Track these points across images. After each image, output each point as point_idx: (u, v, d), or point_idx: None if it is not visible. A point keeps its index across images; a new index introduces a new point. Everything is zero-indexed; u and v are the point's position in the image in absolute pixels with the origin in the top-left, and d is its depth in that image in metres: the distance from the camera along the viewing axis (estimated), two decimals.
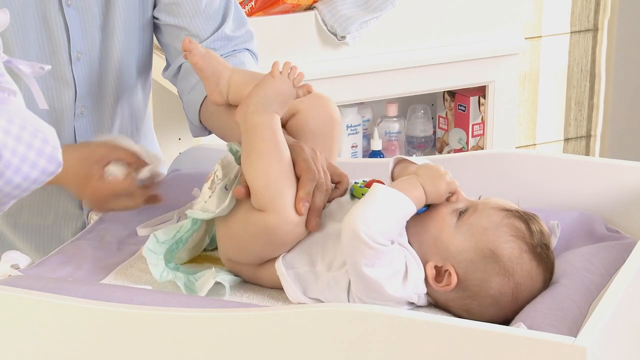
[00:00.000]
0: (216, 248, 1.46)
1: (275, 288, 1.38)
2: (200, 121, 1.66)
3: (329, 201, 1.41)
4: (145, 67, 1.73)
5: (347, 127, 2.71)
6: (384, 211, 1.28)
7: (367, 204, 1.28)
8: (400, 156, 1.43)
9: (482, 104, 2.77)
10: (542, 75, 3.27)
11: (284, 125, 1.48)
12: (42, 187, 1.51)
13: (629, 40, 3.31)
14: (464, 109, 2.81)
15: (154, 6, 1.67)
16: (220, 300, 1.34)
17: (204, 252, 1.50)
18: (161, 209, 1.58)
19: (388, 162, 1.45)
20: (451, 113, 2.86)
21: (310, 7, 2.49)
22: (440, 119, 2.90)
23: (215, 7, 1.67)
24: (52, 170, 1.06)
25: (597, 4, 3.28)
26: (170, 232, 1.42)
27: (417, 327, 1.14)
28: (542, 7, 3.20)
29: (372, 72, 2.55)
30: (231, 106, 1.50)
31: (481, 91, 2.77)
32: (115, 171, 1.52)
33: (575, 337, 1.09)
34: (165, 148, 2.58)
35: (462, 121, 2.83)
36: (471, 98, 2.79)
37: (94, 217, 1.62)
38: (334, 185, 1.42)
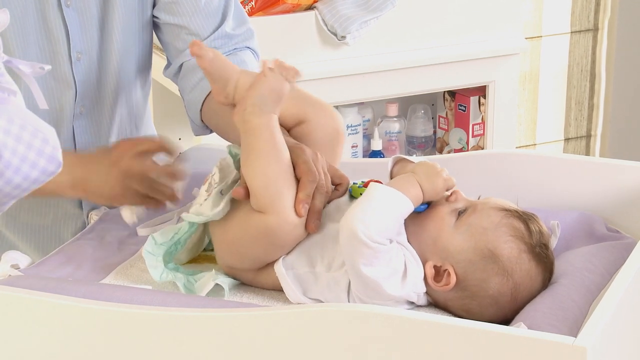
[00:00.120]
0: None
1: (276, 290, 1.38)
2: (202, 120, 1.66)
3: (329, 202, 1.41)
4: (144, 66, 1.73)
5: (348, 127, 2.71)
6: (381, 210, 1.28)
7: (364, 204, 1.28)
8: (398, 155, 1.43)
9: (482, 104, 2.77)
10: (542, 75, 3.27)
11: (288, 130, 1.49)
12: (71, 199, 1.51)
13: (629, 40, 3.31)
14: (464, 109, 2.81)
15: (154, 5, 1.67)
16: (220, 300, 1.34)
17: (203, 252, 1.49)
18: (161, 209, 1.58)
19: (388, 161, 1.45)
20: (451, 113, 2.86)
21: (310, 7, 2.49)
22: (441, 118, 2.90)
23: (214, 5, 1.67)
24: (52, 170, 1.06)
25: (597, 4, 3.28)
26: (168, 234, 1.42)
27: (417, 327, 1.14)
28: (542, 7, 3.20)
29: (372, 72, 2.55)
30: (234, 106, 1.50)
31: (481, 91, 2.77)
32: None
33: (576, 337, 1.09)
34: None
35: (462, 121, 2.83)
36: (471, 98, 2.79)
37: (94, 217, 1.62)
38: (334, 187, 1.42)
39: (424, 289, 1.31)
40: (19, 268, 1.43)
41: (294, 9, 2.47)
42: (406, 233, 1.32)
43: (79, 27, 1.59)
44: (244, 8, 2.35)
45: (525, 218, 1.32)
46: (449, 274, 1.30)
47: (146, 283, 1.40)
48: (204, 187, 1.41)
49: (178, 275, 1.40)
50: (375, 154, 2.74)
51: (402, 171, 1.39)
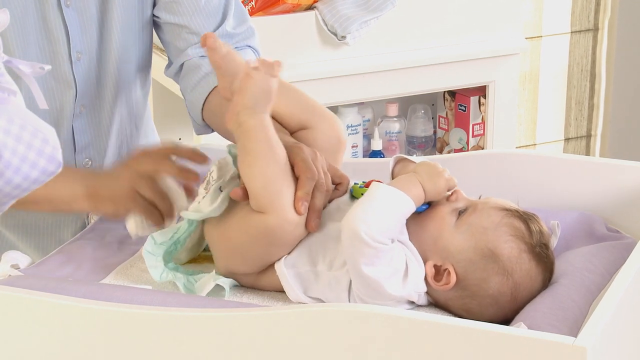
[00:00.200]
0: None
1: (277, 291, 1.38)
2: (203, 119, 1.66)
3: (329, 202, 1.41)
4: (144, 66, 1.73)
5: (348, 127, 2.71)
6: (383, 210, 1.28)
7: (366, 203, 1.29)
8: (400, 155, 1.43)
9: (483, 104, 2.77)
10: (542, 75, 3.27)
11: (291, 134, 1.49)
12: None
13: (629, 40, 3.31)
14: (464, 108, 2.81)
15: (154, 5, 1.67)
16: (220, 300, 1.34)
17: (203, 252, 1.49)
18: (160, 226, 1.57)
19: (388, 162, 1.45)
20: (451, 113, 2.86)
21: (310, 7, 2.49)
22: (441, 118, 2.90)
23: (214, 4, 1.67)
24: (52, 170, 1.06)
25: (597, 4, 3.28)
26: (167, 234, 1.42)
27: (417, 327, 1.14)
28: (542, 7, 3.21)
29: (372, 72, 2.55)
30: None
31: (481, 91, 2.77)
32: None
33: (576, 337, 1.09)
34: None
35: (462, 121, 2.83)
36: (471, 98, 2.79)
37: (94, 217, 1.62)
38: (334, 186, 1.42)
39: (425, 289, 1.31)
40: (19, 268, 1.43)
41: (294, 9, 2.47)
42: (407, 232, 1.32)
43: (79, 27, 1.59)
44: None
45: (525, 218, 1.32)
46: (449, 273, 1.30)
47: (146, 283, 1.40)
48: (202, 186, 1.41)
49: (178, 275, 1.40)
50: (376, 154, 2.75)
51: (403, 171, 1.39)
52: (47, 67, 1.15)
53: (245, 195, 1.36)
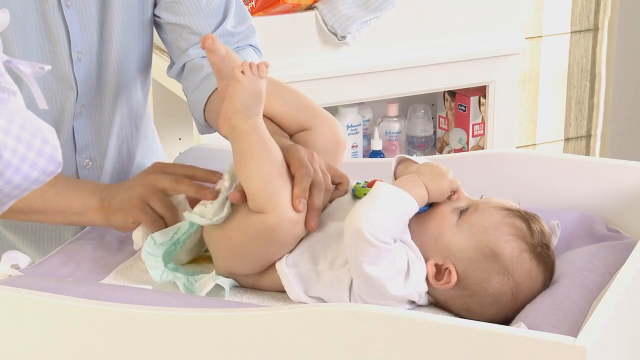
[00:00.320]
0: None
1: (277, 291, 1.38)
2: (206, 119, 1.66)
3: (330, 202, 1.41)
4: (145, 66, 1.73)
5: (348, 127, 2.71)
6: (386, 209, 1.28)
7: (369, 202, 1.29)
8: (402, 155, 1.43)
9: (483, 104, 2.77)
10: (542, 75, 3.27)
11: (290, 136, 1.49)
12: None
13: (629, 40, 3.31)
14: (464, 108, 2.81)
15: (155, 5, 1.67)
16: (220, 300, 1.34)
17: (203, 252, 1.49)
18: None
19: (388, 162, 1.45)
20: (451, 113, 2.86)
21: (310, 7, 2.49)
22: (441, 118, 2.90)
23: (216, 3, 1.67)
24: (52, 170, 1.06)
25: (597, 4, 3.28)
26: (167, 234, 1.42)
27: (417, 327, 1.14)
28: (542, 7, 3.20)
29: (372, 72, 2.55)
30: None
31: (481, 91, 2.77)
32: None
33: (576, 337, 1.09)
34: (166, 148, 2.58)
35: (462, 121, 2.83)
36: (471, 98, 2.79)
37: None
38: (334, 186, 1.42)
39: (426, 288, 1.31)
40: (19, 268, 1.43)
41: (294, 9, 2.47)
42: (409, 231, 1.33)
43: (79, 27, 1.59)
44: None
45: (527, 218, 1.32)
46: (450, 272, 1.30)
47: (146, 283, 1.40)
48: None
49: (178, 275, 1.40)
50: (376, 154, 2.75)
51: (405, 171, 1.39)
52: (47, 67, 1.15)
53: (243, 197, 1.36)
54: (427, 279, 1.31)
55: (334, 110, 2.69)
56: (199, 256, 1.49)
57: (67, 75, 1.60)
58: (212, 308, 1.26)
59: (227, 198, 1.39)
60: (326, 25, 2.48)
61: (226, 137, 1.60)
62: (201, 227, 1.44)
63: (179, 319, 1.24)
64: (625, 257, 1.31)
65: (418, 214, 1.32)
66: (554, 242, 1.37)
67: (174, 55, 1.70)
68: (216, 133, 1.69)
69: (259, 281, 1.39)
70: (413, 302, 1.32)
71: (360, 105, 2.76)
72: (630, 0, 3.29)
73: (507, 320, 1.28)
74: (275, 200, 1.33)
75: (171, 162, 1.76)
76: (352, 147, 2.72)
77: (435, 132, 2.91)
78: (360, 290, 1.29)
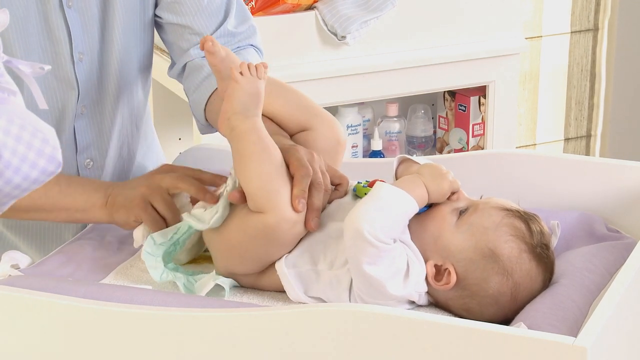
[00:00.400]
0: None
1: (277, 291, 1.38)
2: (206, 119, 1.66)
3: (329, 202, 1.41)
4: (146, 66, 1.73)
5: (348, 127, 2.71)
6: (387, 210, 1.28)
7: (370, 202, 1.29)
8: (403, 155, 1.43)
9: (483, 104, 2.77)
10: (542, 75, 3.27)
11: (291, 136, 1.49)
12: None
13: (629, 40, 3.31)
14: (464, 108, 2.81)
15: (156, 5, 1.67)
16: (220, 300, 1.34)
17: (203, 252, 1.49)
18: None
19: (388, 162, 1.45)
20: (451, 113, 2.86)
21: (310, 7, 2.49)
22: (441, 118, 2.90)
23: (217, 3, 1.67)
24: (52, 170, 1.06)
25: (597, 4, 3.28)
26: (167, 234, 1.42)
27: (417, 327, 1.14)
28: (542, 7, 3.20)
29: (372, 72, 2.55)
30: None
31: (481, 91, 2.77)
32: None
33: (576, 337, 1.09)
34: (166, 148, 2.58)
35: (462, 121, 2.83)
36: (471, 98, 2.79)
37: None
38: (334, 187, 1.42)
39: (426, 289, 1.31)
40: (19, 268, 1.43)
41: (294, 9, 2.47)
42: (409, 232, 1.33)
43: (81, 28, 1.59)
44: None
45: (526, 218, 1.32)
46: (449, 273, 1.30)
47: (146, 283, 1.40)
48: (217, 193, 1.41)
49: (178, 275, 1.40)
50: (375, 154, 2.74)
51: (406, 171, 1.39)
52: (47, 67, 1.14)
53: (243, 197, 1.36)
54: (426, 279, 1.31)
55: (334, 110, 2.69)
56: (199, 256, 1.49)
57: (69, 76, 1.60)
58: (212, 308, 1.26)
59: (224, 206, 1.39)
60: (326, 25, 2.48)
61: (225, 137, 1.61)
62: None
63: (179, 319, 1.24)
64: (625, 257, 1.31)
65: (418, 214, 1.32)
66: (554, 242, 1.37)
67: (174, 55, 1.70)
68: (217, 133, 1.69)
69: (258, 281, 1.39)
70: (413, 303, 1.32)
71: (360, 105, 2.76)
72: (630, 0, 3.29)
73: (506, 321, 1.28)
74: (274, 200, 1.33)
75: (171, 162, 1.76)
76: (352, 147, 2.72)
77: (435, 132, 2.91)
78: (360, 290, 1.29)
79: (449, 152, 2.87)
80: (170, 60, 1.73)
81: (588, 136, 3.40)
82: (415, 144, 2.85)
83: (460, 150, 2.83)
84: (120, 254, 1.50)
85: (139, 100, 1.75)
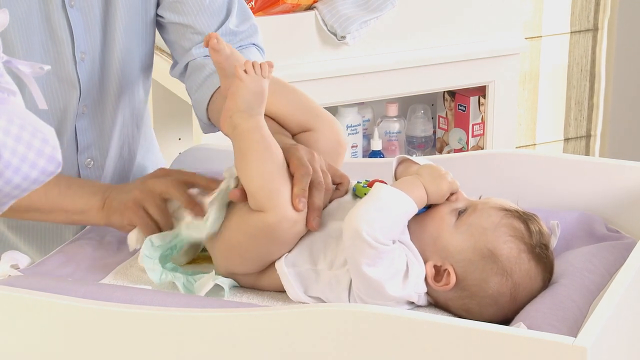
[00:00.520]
0: None
1: (277, 291, 1.38)
2: (209, 118, 1.66)
3: (330, 201, 1.41)
4: (147, 66, 1.73)
5: (347, 127, 2.71)
6: (386, 210, 1.28)
7: (369, 203, 1.29)
8: (403, 155, 1.43)
9: (482, 104, 2.77)
10: (542, 75, 3.27)
11: (292, 136, 1.49)
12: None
13: (629, 40, 3.31)
14: (464, 109, 2.81)
15: (157, 5, 1.67)
16: (220, 300, 1.34)
17: (202, 252, 1.49)
18: None
19: (388, 162, 1.45)
20: (451, 113, 2.86)
21: (310, 7, 2.49)
22: (440, 119, 2.90)
23: (219, 2, 1.67)
24: (52, 170, 1.06)
25: (597, 4, 3.28)
26: (166, 238, 1.42)
27: (417, 327, 1.14)
28: (542, 7, 3.20)
29: (372, 72, 2.55)
30: None
31: (481, 91, 2.77)
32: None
33: (575, 337, 1.09)
34: (165, 148, 2.59)
35: (462, 121, 2.83)
36: (471, 98, 2.79)
37: None
38: (334, 186, 1.42)
39: (425, 289, 1.31)
40: (19, 268, 1.43)
41: (294, 9, 2.47)
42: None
43: (83, 28, 1.59)
44: None
45: (525, 218, 1.32)
46: (448, 273, 1.30)
47: (146, 283, 1.40)
48: (208, 199, 1.41)
49: (177, 275, 1.40)
50: (375, 154, 2.74)
51: (406, 172, 1.39)
52: (47, 67, 1.14)
53: (243, 196, 1.36)
54: (426, 280, 1.31)
55: (333, 110, 2.69)
56: (198, 256, 1.49)
57: (71, 76, 1.60)
58: (211, 308, 1.26)
59: (223, 205, 1.39)
60: (326, 25, 2.48)
61: (227, 136, 1.61)
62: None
63: (179, 319, 1.24)
64: (625, 257, 1.31)
65: (417, 215, 1.32)
66: (554, 242, 1.37)
67: (176, 54, 1.70)
68: (218, 132, 1.69)
69: (258, 281, 1.39)
70: (412, 303, 1.32)
71: (360, 105, 2.76)
72: (630, 0, 3.29)
73: (506, 321, 1.28)
74: (275, 199, 1.33)
75: (171, 161, 1.77)
76: (352, 147, 2.72)
77: (435, 132, 2.91)
78: (359, 291, 1.29)
79: (448, 152, 2.87)
80: (171, 60, 1.73)
81: (588, 136, 3.40)
82: (415, 144, 2.85)
83: (460, 150, 2.83)
84: (120, 254, 1.50)
85: (140, 100, 1.75)
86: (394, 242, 1.28)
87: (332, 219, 1.38)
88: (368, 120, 2.81)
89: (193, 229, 1.40)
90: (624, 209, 1.50)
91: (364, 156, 2.78)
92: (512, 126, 2.78)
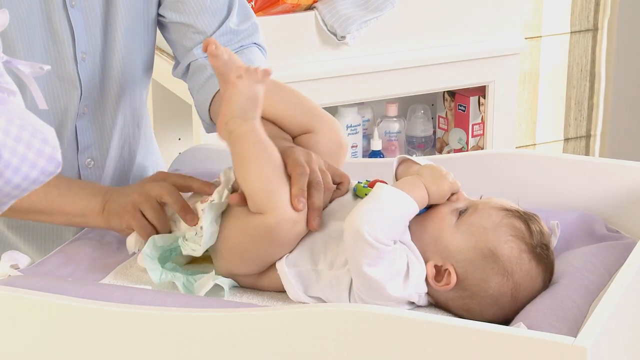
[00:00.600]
0: None
1: (277, 291, 1.38)
2: (211, 118, 1.66)
3: (330, 201, 1.41)
4: (148, 66, 1.73)
5: (347, 127, 2.71)
6: (387, 211, 1.28)
7: (370, 204, 1.29)
8: (403, 155, 1.43)
9: (482, 104, 2.77)
10: (542, 75, 3.27)
11: (293, 138, 1.50)
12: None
13: (629, 40, 3.31)
14: (464, 109, 2.81)
15: (159, 4, 1.67)
16: (220, 300, 1.34)
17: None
18: None
19: (388, 162, 1.45)
20: (451, 113, 2.86)
21: (310, 7, 2.49)
22: (440, 119, 2.90)
23: (220, 2, 1.67)
24: (52, 170, 1.06)
25: (597, 4, 3.28)
26: (168, 240, 1.42)
27: (417, 327, 1.14)
28: (542, 7, 3.20)
29: (372, 72, 2.55)
30: None
31: (481, 91, 2.77)
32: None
33: (575, 337, 1.09)
34: (165, 148, 2.59)
35: (462, 121, 2.83)
36: (471, 98, 2.79)
37: None
38: (335, 186, 1.42)
39: (426, 289, 1.31)
40: (19, 268, 1.43)
41: (294, 9, 2.47)
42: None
43: (84, 28, 1.59)
44: None
45: (526, 218, 1.32)
46: (449, 273, 1.30)
47: (146, 283, 1.40)
48: (201, 207, 1.41)
49: (177, 275, 1.40)
50: (375, 154, 2.74)
51: (406, 172, 1.39)
52: (47, 67, 1.14)
53: (242, 200, 1.36)
54: (426, 280, 1.31)
55: (333, 110, 2.69)
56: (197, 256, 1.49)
57: (72, 76, 1.60)
58: (212, 308, 1.26)
59: (211, 221, 1.39)
60: (326, 25, 2.48)
61: (225, 141, 1.61)
62: None
63: (179, 319, 1.24)
64: (625, 257, 1.31)
65: (418, 215, 1.32)
66: (554, 242, 1.37)
67: (178, 55, 1.70)
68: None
69: (258, 281, 1.39)
70: (413, 303, 1.32)
71: (360, 105, 2.76)
72: (630, 0, 3.29)
73: (506, 321, 1.28)
74: (274, 200, 1.33)
75: (171, 161, 1.77)
76: (352, 147, 2.72)
77: (434, 132, 2.91)
78: (360, 291, 1.29)
79: (448, 152, 2.87)
80: (172, 60, 1.73)
81: (588, 136, 3.40)
82: (415, 144, 2.85)
83: (460, 150, 2.83)
84: (120, 254, 1.50)
85: (140, 100, 1.75)
86: (395, 242, 1.28)
87: (333, 219, 1.38)
88: (368, 120, 2.81)
89: (190, 245, 1.40)
90: (624, 209, 1.50)
91: (364, 156, 2.78)
92: (512, 126, 2.78)
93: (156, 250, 1.41)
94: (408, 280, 1.29)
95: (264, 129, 1.40)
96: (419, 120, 2.85)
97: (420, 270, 1.30)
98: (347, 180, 1.43)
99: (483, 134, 2.79)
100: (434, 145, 2.92)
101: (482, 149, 2.79)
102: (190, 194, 1.49)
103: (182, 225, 1.44)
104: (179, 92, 2.47)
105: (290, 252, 1.36)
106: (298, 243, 1.37)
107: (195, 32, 1.66)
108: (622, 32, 3.30)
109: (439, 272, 1.31)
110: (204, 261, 1.47)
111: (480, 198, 1.37)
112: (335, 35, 2.48)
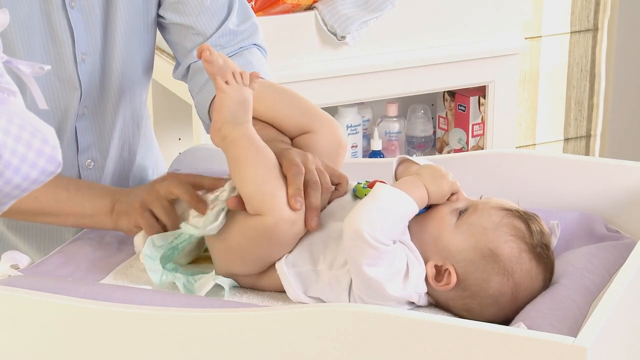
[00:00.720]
0: None
1: (277, 291, 1.38)
2: (211, 119, 1.66)
3: (329, 202, 1.41)
4: (148, 67, 1.73)
5: (347, 127, 2.71)
6: (386, 211, 1.28)
7: (369, 204, 1.29)
8: (403, 156, 1.43)
9: (482, 104, 2.77)
10: (542, 75, 3.27)
11: (292, 139, 1.50)
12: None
13: (629, 40, 3.31)
14: (464, 109, 2.81)
15: (159, 5, 1.67)
16: (220, 300, 1.34)
17: (203, 252, 1.49)
18: None
19: (388, 162, 1.45)
20: (451, 113, 2.86)
21: (310, 7, 2.49)
22: (440, 119, 2.90)
23: (220, 2, 1.67)
24: (52, 170, 1.06)
25: (597, 4, 3.28)
26: (167, 238, 1.42)
27: (417, 327, 1.14)
28: (542, 7, 3.21)
29: (372, 72, 2.55)
30: None
31: (481, 91, 2.77)
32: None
33: (575, 337, 1.09)
34: (165, 148, 2.59)
35: (462, 121, 2.83)
36: (471, 98, 2.79)
37: None
38: (334, 186, 1.42)
39: (426, 289, 1.31)
40: (19, 268, 1.43)
41: (294, 9, 2.47)
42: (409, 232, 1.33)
43: (84, 28, 1.59)
44: None
45: (526, 218, 1.32)
46: (449, 273, 1.30)
47: (146, 283, 1.40)
48: (210, 197, 1.41)
49: (177, 275, 1.40)
50: (375, 154, 2.75)
51: (406, 172, 1.39)
52: (47, 67, 1.14)
53: (240, 203, 1.36)
54: (427, 280, 1.31)
55: (333, 110, 2.69)
56: (198, 256, 1.49)
57: (71, 76, 1.60)
58: (212, 308, 1.26)
59: (222, 209, 1.39)
60: (326, 25, 2.48)
61: (219, 147, 1.61)
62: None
63: (179, 319, 1.24)
64: (625, 257, 1.31)
65: (417, 215, 1.32)
66: (554, 242, 1.37)
67: (179, 56, 1.70)
68: None
69: (258, 281, 1.39)
70: (412, 303, 1.32)
71: (360, 105, 2.76)
72: (630, 0, 3.29)
73: (506, 321, 1.28)
74: (271, 201, 1.33)
75: (171, 161, 1.77)
76: (352, 147, 2.72)
77: (434, 132, 2.91)
78: (360, 291, 1.29)
79: (448, 152, 2.87)
80: (172, 60, 1.73)
81: (588, 136, 3.40)
82: (415, 144, 2.85)
83: (460, 150, 2.83)
84: (120, 254, 1.50)
85: (140, 100, 1.75)
86: (394, 242, 1.28)
87: (332, 219, 1.38)
88: (368, 120, 2.81)
89: (193, 224, 1.40)
90: (624, 209, 1.50)
91: (364, 156, 2.78)
92: (512, 126, 2.78)
93: (156, 250, 1.41)
94: (408, 280, 1.29)
95: (263, 133, 1.41)
96: (419, 120, 2.85)
97: (419, 270, 1.30)
98: (345, 181, 1.43)
99: (483, 134, 2.79)
100: (434, 145, 2.92)
101: (482, 149, 2.79)
102: (202, 192, 1.49)
103: (192, 222, 1.43)
104: (179, 93, 2.47)
105: (290, 252, 1.36)
106: (297, 243, 1.37)
107: (195, 33, 1.66)
108: (622, 32, 3.30)
109: (439, 272, 1.31)
110: (204, 261, 1.47)
111: (480, 198, 1.37)
112: (335, 35, 2.48)
